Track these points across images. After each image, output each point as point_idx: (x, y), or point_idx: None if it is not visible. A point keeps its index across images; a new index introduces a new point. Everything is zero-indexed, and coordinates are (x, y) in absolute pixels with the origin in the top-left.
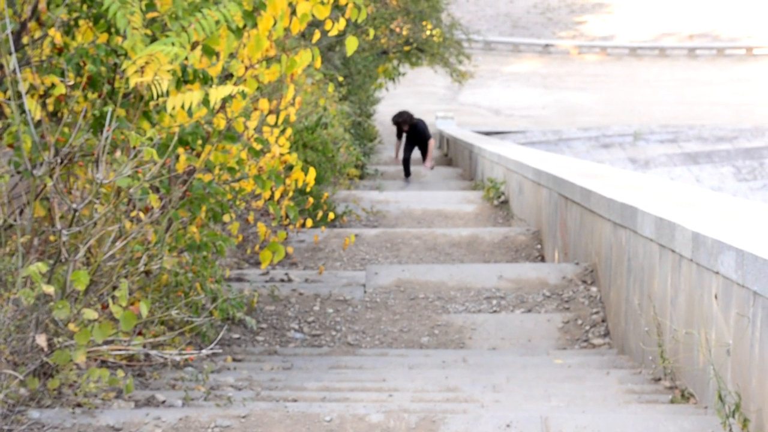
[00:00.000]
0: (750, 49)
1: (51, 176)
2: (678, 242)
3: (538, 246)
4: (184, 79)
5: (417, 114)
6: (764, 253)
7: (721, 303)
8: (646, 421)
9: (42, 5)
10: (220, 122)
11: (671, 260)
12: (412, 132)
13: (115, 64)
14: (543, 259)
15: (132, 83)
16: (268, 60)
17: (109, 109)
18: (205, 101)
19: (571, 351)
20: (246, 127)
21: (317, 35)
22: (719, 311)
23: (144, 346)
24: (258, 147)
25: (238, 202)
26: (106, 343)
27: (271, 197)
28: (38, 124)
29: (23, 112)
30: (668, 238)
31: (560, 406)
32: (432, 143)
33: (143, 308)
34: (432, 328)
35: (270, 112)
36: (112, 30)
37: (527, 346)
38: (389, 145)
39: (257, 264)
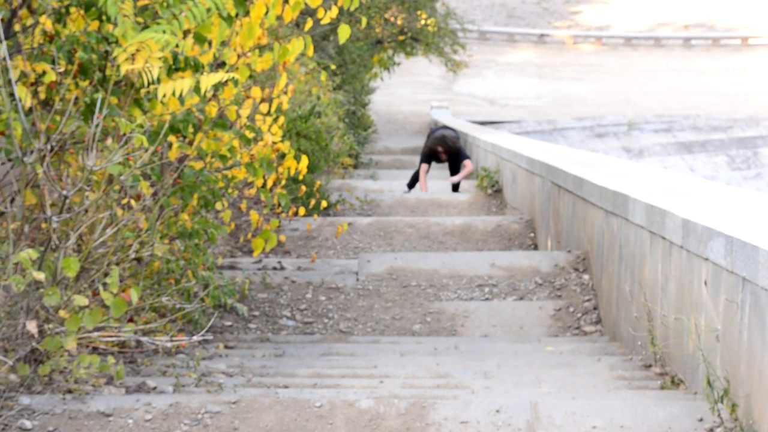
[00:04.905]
0: (745, 39)
1: (42, 163)
2: (668, 229)
3: (531, 234)
4: (175, 66)
5: (412, 104)
6: (753, 239)
7: (710, 289)
8: (635, 407)
9: None
10: (212, 110)
11: (662, 247)
12: (449, 157)
13: (106, 51)
14: (536, 248)
15: (123, 71)
16: (261, 48)
17: (100, 96)
18: (196, 89)
19: (562, 338)
20: (238, 116)
21: (310, 23)
22: (709, 297)
23: (135, 333)
24: (250, 135)
25: (230, 190)
26: (96, 329)
27: (264, 185)
28: (29, 111)
29: (14, 99)
30: (659, 225)
31: (550, 392)
32: (469, 165)
33: (134, 295)
34: (424, 315)
35: (262, 100)
36: (104, 17)
37: (519, 334)
38: (384, 134)
39: (250, 252)
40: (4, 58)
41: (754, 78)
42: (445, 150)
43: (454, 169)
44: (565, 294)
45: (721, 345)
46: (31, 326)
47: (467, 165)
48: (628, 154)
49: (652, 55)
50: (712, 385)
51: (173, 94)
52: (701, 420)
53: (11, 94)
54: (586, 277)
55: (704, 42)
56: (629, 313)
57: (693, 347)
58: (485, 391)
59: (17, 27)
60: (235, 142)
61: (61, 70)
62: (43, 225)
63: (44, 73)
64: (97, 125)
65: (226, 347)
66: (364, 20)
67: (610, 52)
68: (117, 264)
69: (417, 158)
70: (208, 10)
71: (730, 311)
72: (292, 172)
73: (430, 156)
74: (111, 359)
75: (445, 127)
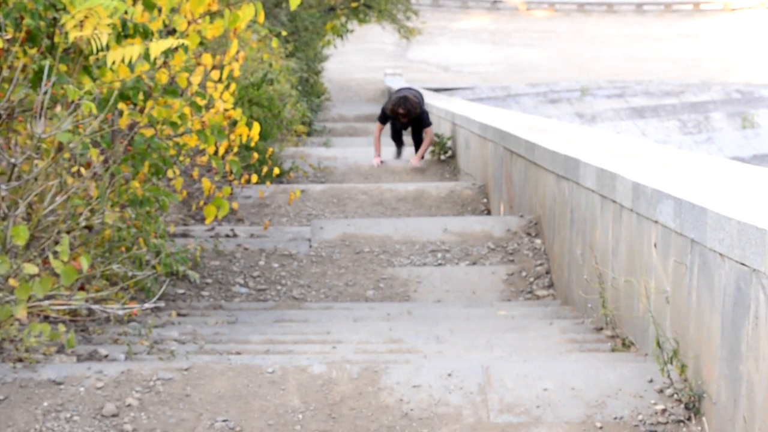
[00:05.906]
0: (697, 5)
1: None
2: (619, 192)
3: (485, 200)
4: (124, 33)
5: (366, 71)
6: (701, 201)
7: (660, 251)
8: (586, 369)
9: None
10: (163, 77)
11: (612, 211)
12: (410, 122)
13: (54, 18)
14: (489, 213)
15: (71, 38)
16: (211, 15)
17: (48, 63)
18: (146, 55)
19: (515, 302)
20: (189, 83)
21: None
22: (658, 260)
23: (86, 301)
24: (201, 102)
25: (181, 158)
26: (47, 298)
27: (216, 152)
28: None
29: None
30: (609, 188)
31: (502, 355)
32: (431, 133)
33: (84, 263)
34: (377, 281)
35: (213, 67)
36: None
37: (472, 299)
38: (338, 102)
39: (202, 220)
40: None
41: (706, 43)
42: (406, 113)
43: (416, 136)
44: (518, 258)
45: (670, 307)
46: None
47: (428, 133)
48: (581, 120)
49: (605, 21)
50: (661, 346)
51: (123, 61)
52: (651, 381)
53: None
54: (538, 241)
55: (656, 8)
56: (581, 276)
57: (643, 309)
58: (437, 355)
59: None
60: (186, 110)
61: (9, 37)
62: None
63: None
64: (45, 93)
65: (178, 315)
66: None
67: (563, 18)
68: (67, 232)
69: (371, 125)
70: None
71: (679, 273)
72: (244, 140)
73: (387, 118)
74: (62, 327)
75: (409, 89)
